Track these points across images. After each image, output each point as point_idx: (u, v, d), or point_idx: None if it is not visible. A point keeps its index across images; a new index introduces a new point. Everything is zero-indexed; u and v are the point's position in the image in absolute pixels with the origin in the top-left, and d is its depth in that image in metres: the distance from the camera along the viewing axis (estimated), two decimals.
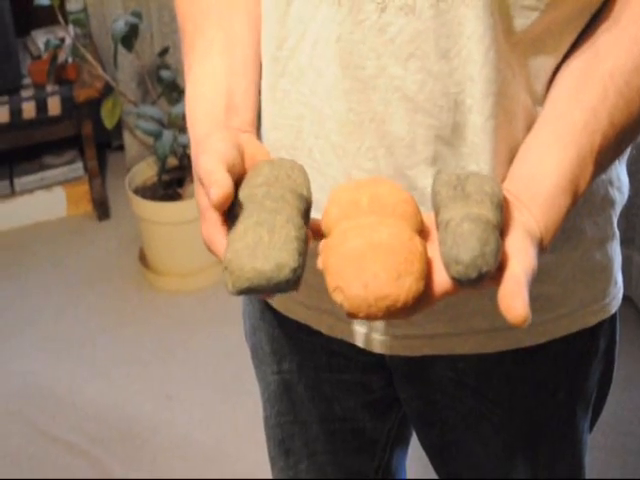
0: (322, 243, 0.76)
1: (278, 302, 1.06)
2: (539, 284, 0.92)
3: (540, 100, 0.86)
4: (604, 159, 0.82)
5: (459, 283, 0.70)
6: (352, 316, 0.72)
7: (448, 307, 0.94)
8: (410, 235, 0.73)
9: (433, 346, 0.98)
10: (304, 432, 1.16)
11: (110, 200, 3.21)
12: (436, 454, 1.14)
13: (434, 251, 0.73)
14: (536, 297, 0.92)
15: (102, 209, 3.14)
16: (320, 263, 0.74)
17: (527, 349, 0.97)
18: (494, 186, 0.74)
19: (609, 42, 0.82)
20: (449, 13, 0.80)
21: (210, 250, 0.77)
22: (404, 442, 1.23)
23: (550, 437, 1.05)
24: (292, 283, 0.72)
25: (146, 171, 2.90)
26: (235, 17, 0.93)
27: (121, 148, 3.36)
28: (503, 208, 0.73)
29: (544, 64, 0.85)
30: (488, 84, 0.81)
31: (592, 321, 0.99)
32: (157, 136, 2.64)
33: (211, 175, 0.74)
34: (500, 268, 0.71)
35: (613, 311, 1.02)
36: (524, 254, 0.72)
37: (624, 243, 2.39)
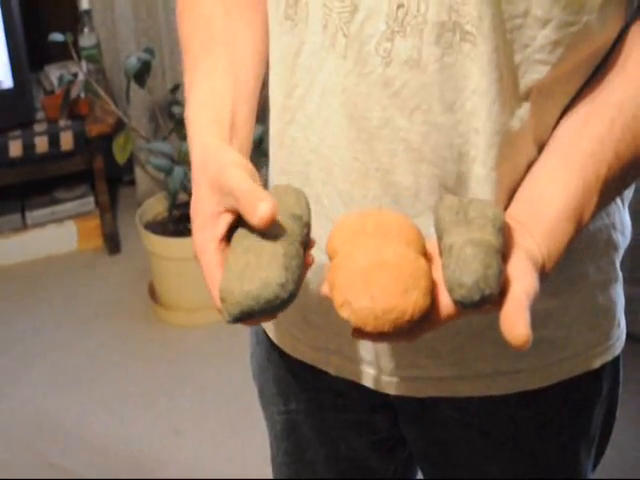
0: (328, 265, 0.77)
1: (285, 343, 1.07)
2: (543, 327, 0.93)
3: None
4: (609, 190, 0.82)
5: (462, 306, 0.71)
6: (358, 332, 0.72)
7: (452, 351, 0.94)
8: (415, 256, 0.74)
9: (438, 388, 0.98)
10: (310, 471, 1.17)
11: (121, 234, 3.22)
12: None
13: (438, 276, 0.74)
14: (540, 340, 0.93)
15: (113, 243, 3.16)
16: (326, 285, 0.75)
17: (531, 391, 0.98)
18: (496, 211, 0.75)
19: (615, 86, 0.83)
20: (454, 67, 0.80)
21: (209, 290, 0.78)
22: None
23: (554, 478, 1.05)
24: (282, 299, 0.73)
25: (157, 206, 2.92)
26: (239, 41, 0.94)
27: (132, 183, 3.38)
28: (505, 232, 0.74)
29: (552, 112, 0.85)
30: (492, 136, 0.82)
31: (596, 364, 1.00)
32: (168, 172, 2.66)
33: (254, 191, 0.74)
34: (502, 293, 0.71)
35: (617, 353, 1.02)
36: (526, 277, 0.73)
37: (630, 282, 2.41)
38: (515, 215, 0.80)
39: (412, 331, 0.73)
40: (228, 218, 0.78)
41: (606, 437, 1.10)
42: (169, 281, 2.84)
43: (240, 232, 0.77)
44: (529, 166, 0.85)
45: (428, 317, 0.73)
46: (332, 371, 1.03)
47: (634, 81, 0.82)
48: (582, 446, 1.05)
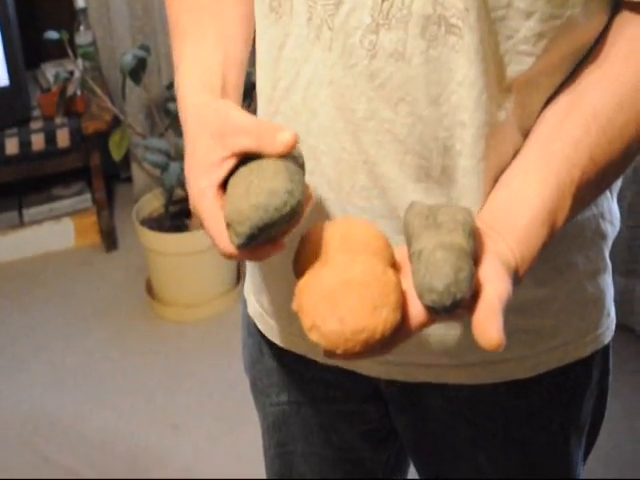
0: (297, 285, 0.75)
1: (276, 335, 1.07)
2: (532, 317, 0.94)
3: None
4: (584, 195, 0.82)
5: (434, 312, 0.70)
6: (329, 354, 0.71)
7: (440, 342, 0.95)
8: (383, 269, 0.73)
9: (428, 374, 0.98)
10: (302, 463, 1.17)
11: (118, 231, 3.23)
12: None
13: (408, 284, 0.73)
14: (529, 330, 0.94)
15: (110, 240, 3.17)
16: (295, 305, 0.74)
17: (521, 380, 0.98)
18: (466, 215, 0.74)
19: (594, 80, 0.83)
20: (439, 60, 0.81)
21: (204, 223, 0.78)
22: (401, 473, 1.25)
23: (544, 467, 1.06)
24: (291, 206, 0.72)
25: (153, 202, 2.93)
26: (227, 15, 0.95)
27: (129, 180, 3.39)
28: (476, 236, 0.74)
29: (537, 103, 0.86)
30: (479, 128, 0.82)
31: (585, 352, 1.00)
32: (164, 168, 2.66)
33: (269, 123, 0.76)
34: (474, 297, 0.71)
35: (606, 342, 1.03)
36: (498, 281, 0.72)
37: (627, 275, 2.43)
38: (488, 219, 0.79)
39: (384, 346, 0.72)
40: (230, 163, 0.78)
41: (597, 427, 1.10)
42: (166, 277, 2.85)
43: (238, 172, 0.77)
44: (515, 154, 0.85)
45: (399, 329, 0.72)
46: (321, 359, 1.02)
47: (612, 81, 0.82)
48: (572, 435, 1.05)
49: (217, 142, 0.79)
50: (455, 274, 0.69)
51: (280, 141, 0.75)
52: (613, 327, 1.04)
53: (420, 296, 0.70)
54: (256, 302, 1.09)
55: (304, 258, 0.77)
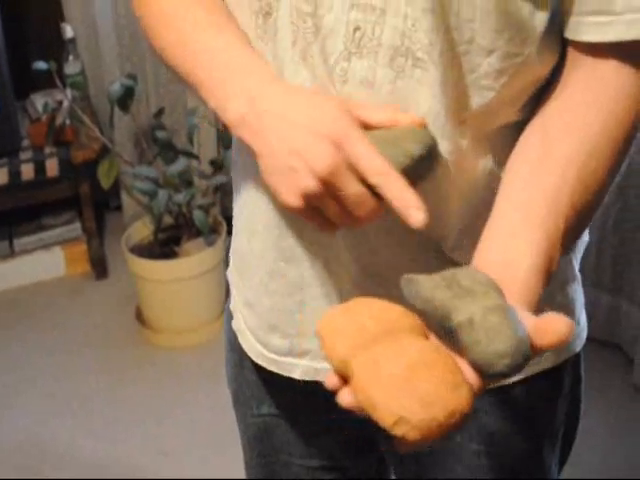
0: (353, 382, 0.70)
1: (252, 351, 1.09)
2: None
3: (503, 161, 0.88)
4: (569, 241, 0.83)
5: (505, 376, 0.69)
6: (415, 442, 0.66)
7: None
8: (432, 346, 0.70)
9: None
10: (285, 473, 1.18)
11: (108, 259, 3.24)
12: None
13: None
14: None
15: (100, 268, 3.18)
16: (349, 397, 0.70)
17: (493, 389, 0.99)
18: (482, 275, 0.73)
19: (562, 129, 0.84)
20: (406, 90, 0.84)
21: None
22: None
23: (519, 473, 1.07)
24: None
25: (142, 230, 2.94)
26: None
27: (119, 208, 3.40)
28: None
29: (500, 129, 0.89)
30: (446, 155, 0.86)
31: (556, 361, 1.02)
32: (152, 195, 2.68)
33: (406, 191, 0.77)
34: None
35: (577, 350, 1.05)
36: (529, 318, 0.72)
37: (613, 292, 2.44)
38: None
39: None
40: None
41: (571, 434, 1.12)
42: (156, 304, 2.86)
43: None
44: (485, 179, 0.89)
45: None
46: (298, 376, 1.05)
47: (579, 130, 0.83)
48: (545, 443, 1.07)
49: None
50: (515, 333, 0.68)
51: (417, 221, 0.76)
52: (584, 336, 1.06)
53: (489, 365, 0.68)
54: (240, 317, 1.11)
55: (341, 348, 0.71)
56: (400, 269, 0.80)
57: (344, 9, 0.83)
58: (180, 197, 2.70)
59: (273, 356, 1.05)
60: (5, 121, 2.96)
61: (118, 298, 3.07)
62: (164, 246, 2.86)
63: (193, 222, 2.75)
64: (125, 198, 3.30)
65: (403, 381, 0.66)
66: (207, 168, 2.95)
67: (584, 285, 1.07)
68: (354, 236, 0.93)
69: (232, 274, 1.12)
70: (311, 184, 0.78)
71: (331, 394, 1.06)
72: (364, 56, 0.83)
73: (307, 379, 1.04)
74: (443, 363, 0.68)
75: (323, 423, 1.13)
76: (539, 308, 0.91)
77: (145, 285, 2.83)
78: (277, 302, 1.01)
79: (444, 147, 0.85)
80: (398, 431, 0.65)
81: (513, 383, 1.00)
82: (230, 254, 1.12)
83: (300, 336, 1.01)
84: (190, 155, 2.82)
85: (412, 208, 0.76)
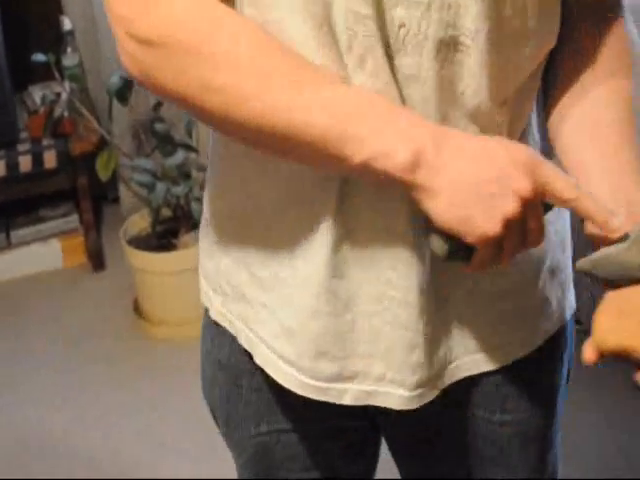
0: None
1: (267, 363, 1.04)
2: (522, 299, 1.01)
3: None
4: None
5: None
6: None
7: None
8: None
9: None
10: None
11: (105, 251, 3.24)
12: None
13: None
14: (522, 311, 1.01)
15: (97, 260, 3.18)
16: None
17: (506, 365, 1.03)
18: None
19: (605, 94, 0.92)
20: (450, 76, 0.86)
21: None
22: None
23: (542, 435, 1.11)
24: None
25: (140, 222, 2.94)
26: None
27: (117, 200, 3.40)
28: None
29: (527, 102, 0.95)
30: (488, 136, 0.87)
31: (565, 320, 1.07)
32: (150, 188, 2.68)
33: (599, 203, 0.82)
34: None
35: (574, 307, 1.11)
36: None
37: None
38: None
39: None
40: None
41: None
42: (153, 296, 2.86)
43: None
44: None
45: None
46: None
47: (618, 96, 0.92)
48: (558, 399, 1.12)
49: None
50: None
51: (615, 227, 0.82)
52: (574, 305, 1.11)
53: None
54: (266, 351, 1.04)
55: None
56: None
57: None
58: (178, 189, 2.70)
59: (321, 384, 0.99)
60: (3, 113, 2.95)
61: (116, 290, 3.08)
62: (162, 238, 2.86)
63: (191, 214, 2.75)
64: (123, 190, 3.30)
65: None
66: (205, 161, 2.94)
67: (582, 283, 1.12)
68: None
69: (239, 305, 1.08)
70: (516, 208, 0.79)
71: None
72: (408, 53, 0.83)
73: (358, 404, 1.01)
74: None
75: (326, 429, 1.11)
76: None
77: (143, 277, 2.84)
78: (327, 324, 0.96)
79: (486, 128, 0.88)
80: None
81: (532, 351, 1.04)
82: (226, 284, 1.09)
83: (348, 358, 0.98)
84: (188, 148, 2.82)
85: (610, 216, 0.82)
